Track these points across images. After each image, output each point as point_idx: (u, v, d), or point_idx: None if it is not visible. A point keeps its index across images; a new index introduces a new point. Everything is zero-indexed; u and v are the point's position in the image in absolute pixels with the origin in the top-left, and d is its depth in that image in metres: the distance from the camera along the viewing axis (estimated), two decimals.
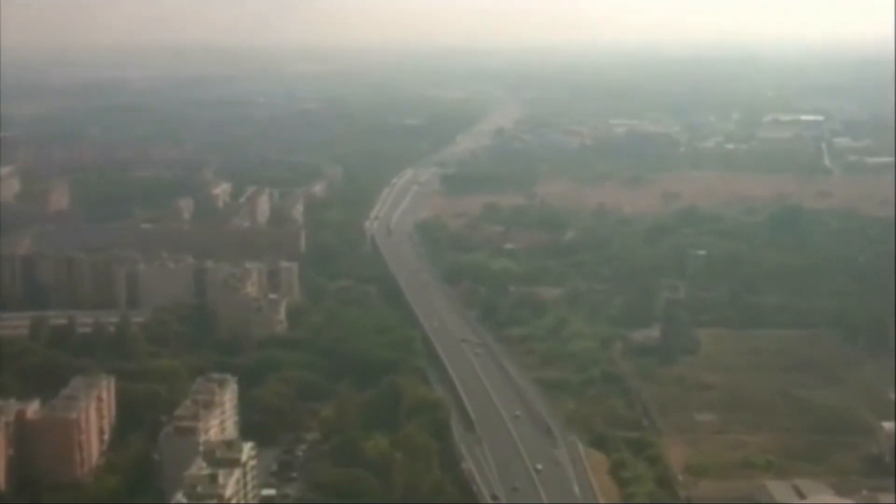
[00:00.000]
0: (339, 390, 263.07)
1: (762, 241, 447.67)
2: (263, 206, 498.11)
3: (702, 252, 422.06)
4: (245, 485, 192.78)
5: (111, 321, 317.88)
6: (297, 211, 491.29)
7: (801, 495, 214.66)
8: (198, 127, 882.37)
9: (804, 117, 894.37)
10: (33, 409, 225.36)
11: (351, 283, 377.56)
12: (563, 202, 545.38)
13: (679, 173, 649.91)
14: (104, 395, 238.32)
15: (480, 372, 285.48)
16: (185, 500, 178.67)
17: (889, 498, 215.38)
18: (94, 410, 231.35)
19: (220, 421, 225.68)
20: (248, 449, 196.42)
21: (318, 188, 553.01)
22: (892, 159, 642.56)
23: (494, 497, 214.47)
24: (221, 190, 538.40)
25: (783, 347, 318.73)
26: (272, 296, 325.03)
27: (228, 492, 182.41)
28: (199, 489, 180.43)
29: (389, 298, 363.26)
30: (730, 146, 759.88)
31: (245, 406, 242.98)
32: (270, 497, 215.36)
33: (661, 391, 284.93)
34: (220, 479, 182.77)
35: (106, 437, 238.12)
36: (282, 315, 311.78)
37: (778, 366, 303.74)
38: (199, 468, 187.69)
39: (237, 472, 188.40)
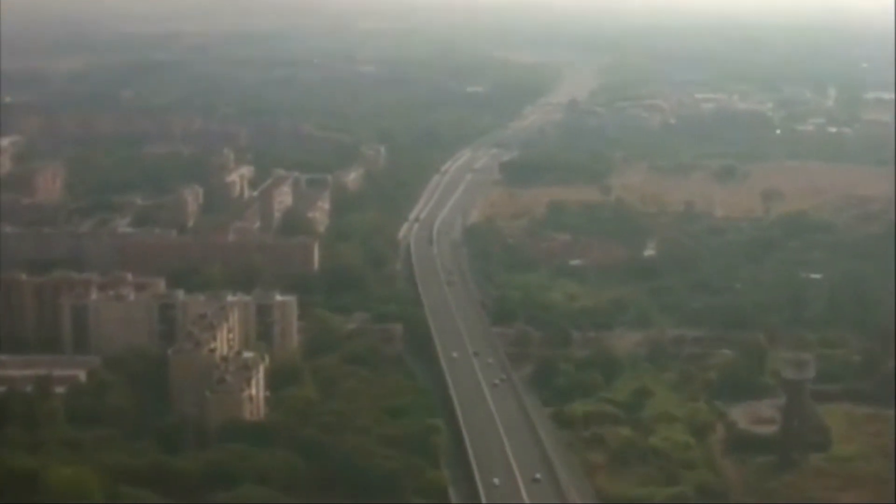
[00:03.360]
0: None
1: (887, 258, 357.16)
2: (282, 200, 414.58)
3: (816, 276, 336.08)
4: None
5: (41, 376, 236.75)
6: (320, 209, 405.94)
7: None
8: (239, 90, 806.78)
9: None
10: None
11: (369, 322, 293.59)
12: (642, 200, 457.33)
13: (777, 163, 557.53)
14: None
15: (525, 486, 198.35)
16: None
17: None
18: None
19: None
20: None
21: (353, 176, 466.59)
22: None
23: None
24: (239, 175, 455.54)
25: None
26: (247, 354, 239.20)
27: None
28: None
29: (415, 348, 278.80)
30: (832, 129, 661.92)
31: None
32: None
33: None
34: None
35: None
36: (255, 387, 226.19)
37: None
38: None
39: None
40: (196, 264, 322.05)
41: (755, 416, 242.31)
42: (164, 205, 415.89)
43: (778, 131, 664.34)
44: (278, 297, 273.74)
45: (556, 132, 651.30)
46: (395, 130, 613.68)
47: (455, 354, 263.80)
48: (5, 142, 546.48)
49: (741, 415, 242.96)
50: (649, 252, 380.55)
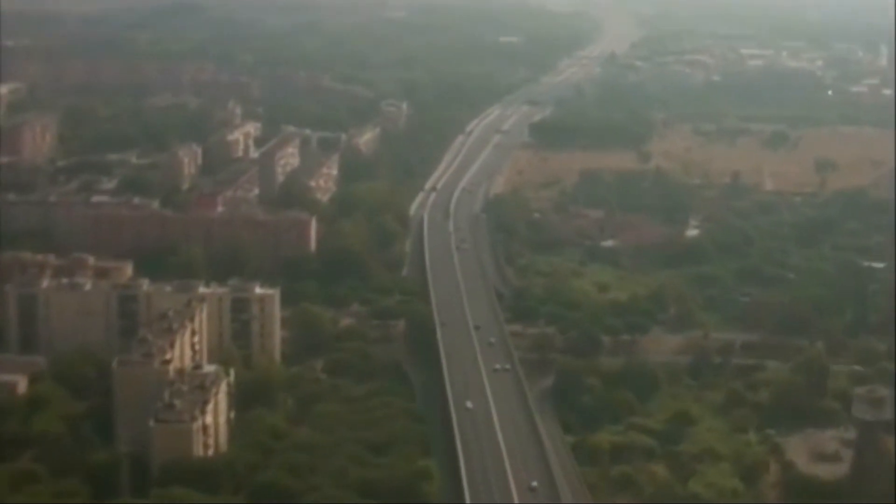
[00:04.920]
0: None
1: None
2: (287, 163, 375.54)
3: (878, 265, 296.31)
4: None
5: None
6: (326, 176, 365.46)
7: None
8: (261, 36, 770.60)
9: None
10: None
11: (366, 317, 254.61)
12: (684, 169, 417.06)
13: (830, 128, 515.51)
14: None
15: None
16: None
17: None
18: None
19: None
20: None
21: (368, 136, 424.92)
22: None
23: None
24: (243, 133, 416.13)
25: None
26: (209, 368, 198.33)
27: None
28: None
29: (418, 352, 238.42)
30: (887, 92, 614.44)
31: None
32: None
33: None
34: None
35: None
36: (214, 413, 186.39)
37: None
38: None
39: None
40: (175, 242, 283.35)
41: (816, 450, 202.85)
42: (158, 164, 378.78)
43: (830, 92, 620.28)
44: (258, 290, 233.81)
45: (592, 89, 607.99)
46: (421, 83, 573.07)
47: (462, 364, 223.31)
48: (3, 89, 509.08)
49: (799, 448, 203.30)
50: (692, 232, 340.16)
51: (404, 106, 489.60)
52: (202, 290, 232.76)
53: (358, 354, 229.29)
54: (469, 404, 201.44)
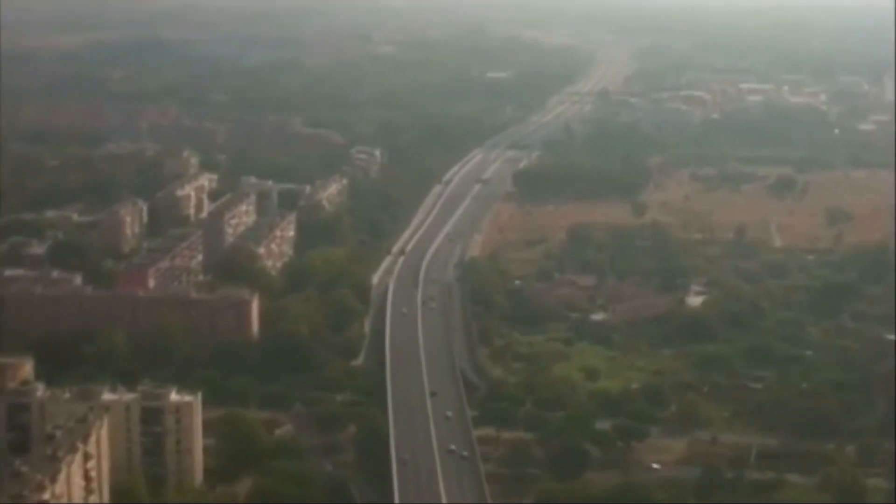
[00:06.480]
0: None
1: None
2: (239, 223, 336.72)
3: None
4: None
5: None
6: (280, 240, 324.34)
7: None
8: (238, 74, 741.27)
9: None
10: None
11: (309, 423, 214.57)
12: (684, 223, 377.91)
13: (840, 172, 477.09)
14: None
15: None
16: None
17: None
18: None
19: None
20: None
21: (333, 190, 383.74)
22: None
23: None
24: (195, 187, 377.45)
25: None
26: None
27: None
28: None
29: (367, 467, 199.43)
30: None
31: None
32: None
33: None
34: None
35: None
36: None
37: None
38: None
39: None
40: (96, 326, 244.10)
41: None
42: (99, 224, 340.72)
43: (836, 131, 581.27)
44: (174, 396, 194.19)
45: (583, 129, 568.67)
46: (400, 125, 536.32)
47: (419, 488, 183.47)
48: None
49: None
50: (693, 300, 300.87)
51: (377, 153, 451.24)
52: (107, 396, 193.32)
53: (294, 476, 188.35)
54: None
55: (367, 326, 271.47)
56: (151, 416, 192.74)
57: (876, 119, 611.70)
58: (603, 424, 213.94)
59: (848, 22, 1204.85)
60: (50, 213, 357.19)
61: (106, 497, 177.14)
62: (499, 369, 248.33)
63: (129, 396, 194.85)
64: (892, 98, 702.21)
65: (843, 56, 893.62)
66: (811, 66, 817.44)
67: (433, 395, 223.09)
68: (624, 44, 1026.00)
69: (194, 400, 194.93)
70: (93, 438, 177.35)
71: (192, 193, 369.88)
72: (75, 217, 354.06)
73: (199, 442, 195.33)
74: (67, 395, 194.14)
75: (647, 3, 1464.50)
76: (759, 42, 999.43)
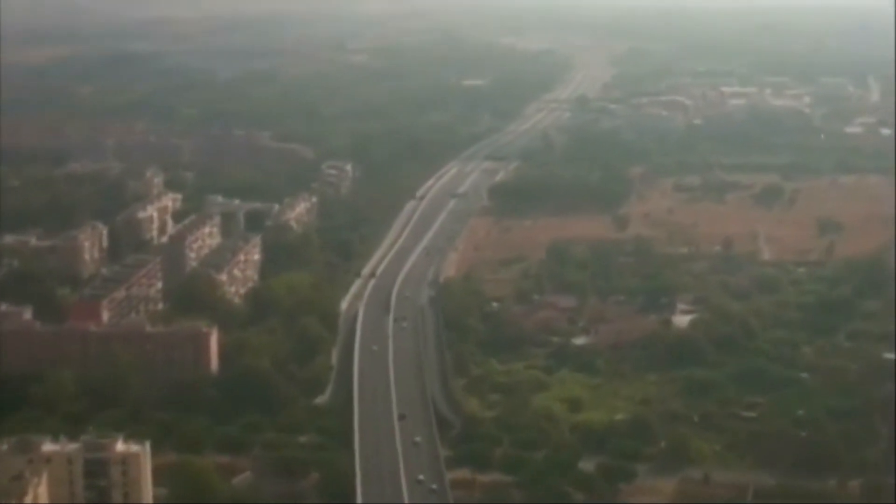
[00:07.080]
0: None
1: None
2: (202, 246, 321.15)
3: None
4: None
5: None
6: (244, 264, 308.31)
7: None
8: (210, 87, 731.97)
9: None
10: None
11: (269, 468, 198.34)
12: (668, 236, 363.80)
13: (828, 178, 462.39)
14: None
15: None
16: None
17: None
18: None
19: None
20: None
21: (302, 208, 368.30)
22: None
23: None
24: (159, 208, 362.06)
25: None
26: None
27: None
28: None
29: None
30: (886, 132, 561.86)
31: None
32: None
33: None
34: None
35: None
36: None
37: None
38: None
39: None
40: (44, 365, 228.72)
41: None
42: (56, 249, 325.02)
43: (822, 136, 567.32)
44: (120, 446, 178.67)
45: (561, 138, 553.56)
46: (374, 137, 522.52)
47: None
48: None
49: None
50: (680, 319, 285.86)
51: (349, 168, 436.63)
52: (48, 447, 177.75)
53: None
54: None
55: (334, 357, 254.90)
56: (96, 468, 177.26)
57: (862, 121, 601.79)
58: (587, 464, 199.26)
59: (829, 23, 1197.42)
60: (7, 238, 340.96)
61: None
62: (475, 402, 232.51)
63: (72, 447, 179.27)
64: (880, 98, 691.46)
65: (826, 58, 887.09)
66: (794, 69, 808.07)
67: (406, 435, 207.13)
68: (602, 48, 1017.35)
69: (142, 449, 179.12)
70: (29, 497, 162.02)
71: (155, 215, 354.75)
72: (33, 241, 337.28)
73: (148, 494, 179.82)
74: (5, 446, 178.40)
75: (625, 6, 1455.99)
76: (740, 45, 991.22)
